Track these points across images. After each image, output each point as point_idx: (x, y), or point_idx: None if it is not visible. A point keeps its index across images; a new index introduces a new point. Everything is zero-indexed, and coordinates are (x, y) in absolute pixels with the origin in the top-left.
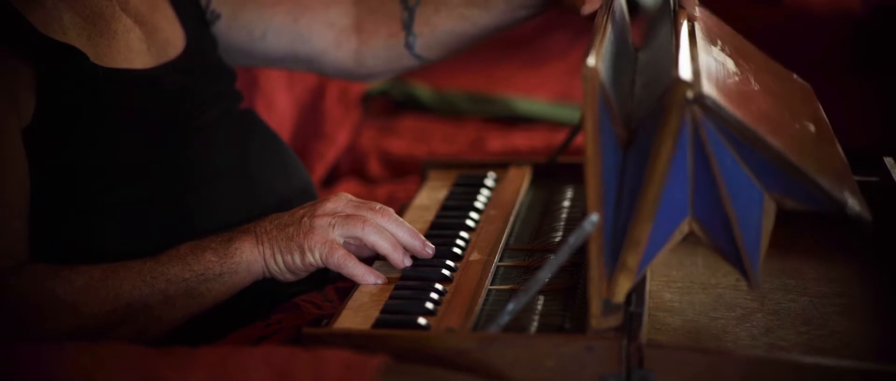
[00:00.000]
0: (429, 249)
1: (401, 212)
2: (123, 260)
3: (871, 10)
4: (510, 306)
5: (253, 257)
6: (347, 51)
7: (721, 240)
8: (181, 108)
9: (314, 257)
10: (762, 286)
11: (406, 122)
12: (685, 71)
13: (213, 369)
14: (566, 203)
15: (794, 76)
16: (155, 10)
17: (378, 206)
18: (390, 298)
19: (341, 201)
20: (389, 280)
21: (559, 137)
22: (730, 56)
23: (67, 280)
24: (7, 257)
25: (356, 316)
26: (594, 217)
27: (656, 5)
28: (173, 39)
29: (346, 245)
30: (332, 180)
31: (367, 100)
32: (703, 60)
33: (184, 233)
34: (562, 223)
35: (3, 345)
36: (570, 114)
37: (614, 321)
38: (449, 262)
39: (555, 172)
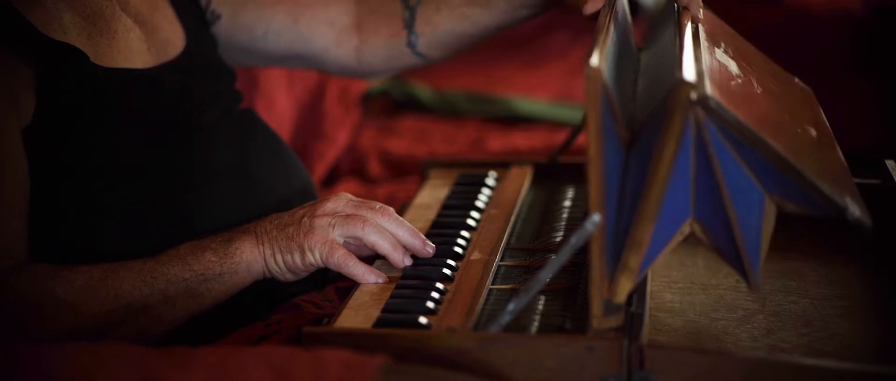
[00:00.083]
0: (429, 248)
1: (401, 211)
2: (123, 260)
3: (871, 10)
4: (511, 306)
5: (253, 257)
6: (348, 49)
7: (722, 241)
8: (181, 108)
9: (314, 257)
10: (763, 288)
11: (406, 122)
12: (689, 72)
13: (213, 369)
14: (567, 203)
15: (796, 80)
16: (155, 10)
17: (378, 205)
18: (391, 297)
19: (341, 200)
20: (390, 279)
21: (559, 137)
22: (733, 58)
23: (67, 280)
24: (7, 257)
25: (357, 315)
26: (596, 217)
27: (656, 6)
28: (173, 39)
29: (346, 245)
30: (332, 180)
31: (367, 100)
32: (706, 62)
33: (184, 233)
34: (563, 223)
35: (3, 345)
36: (570, 114)
37: (615, 321)
38: (450, 261)
39: (556, 171)
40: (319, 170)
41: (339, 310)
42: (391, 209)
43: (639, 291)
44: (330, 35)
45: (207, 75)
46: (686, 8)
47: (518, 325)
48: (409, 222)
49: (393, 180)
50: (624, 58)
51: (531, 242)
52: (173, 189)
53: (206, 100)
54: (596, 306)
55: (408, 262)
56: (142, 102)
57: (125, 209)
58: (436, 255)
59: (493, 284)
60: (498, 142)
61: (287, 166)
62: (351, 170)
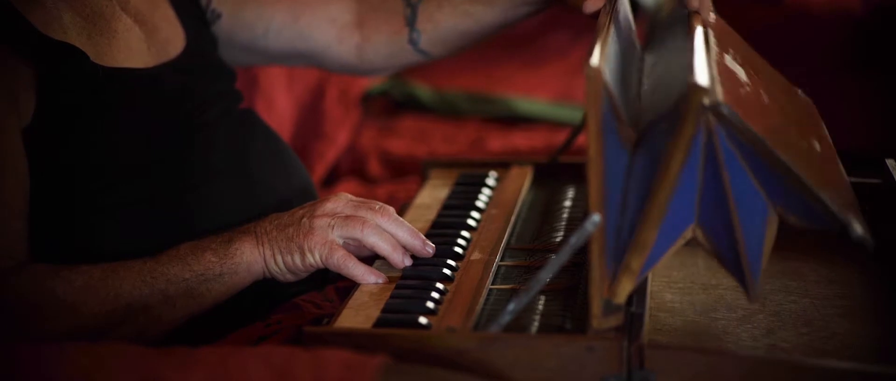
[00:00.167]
0: (429, 248)
1: (402, 211)
2: (123, 260)
3: (871, 10)
4: (511, 306)
5: (253, 257)
6: (350, 47)
7: (724, 248)
8: (181, 107)
9: (314, 258)
10: (760, 297)
11: (406, 122)
12: (702, 77)
13: (213, 369)
14: (567, 203)
15: (798, 91)
16: (155, 9)
17: (377, 205)
18: (391, 297)
19: (340, 201)
20: (390, 280)
21: (559, 137)
22: (741, 66)
23: (67, 280)
24: (7, 257)
25: (357, 315)
26: (596, 217)
27: (656, 5)
28: (173, 39)
29: (345, 245)
30: (332, 180)
31: (367, 100)
32: (716, 68)
33: (184, 233)
34: (563, 223)
35: (3, 345)
36: (570, 114)
37: (615, 321)
38: (450, 261)
39: (556, 171)
40: (319, 170)
41: (339, 310)
42: (391, 209)
43: (639, 291)
44: (331, 32)
45: (207, 75)
46: (696, 11)
47: (518, 325)
48: (409, 222)
49: (393, 180)
50: (626, 57)
51: (531, 242)
52: (173, 189)
53: (206, 100)
54: (596, 306)
55: (408, 262)
56: (142, 101)
57: (125, 209)
58: (436, 255)
59: (493, 284)
60: (498, 142)
61: (287, 166)
62: (351, 170)
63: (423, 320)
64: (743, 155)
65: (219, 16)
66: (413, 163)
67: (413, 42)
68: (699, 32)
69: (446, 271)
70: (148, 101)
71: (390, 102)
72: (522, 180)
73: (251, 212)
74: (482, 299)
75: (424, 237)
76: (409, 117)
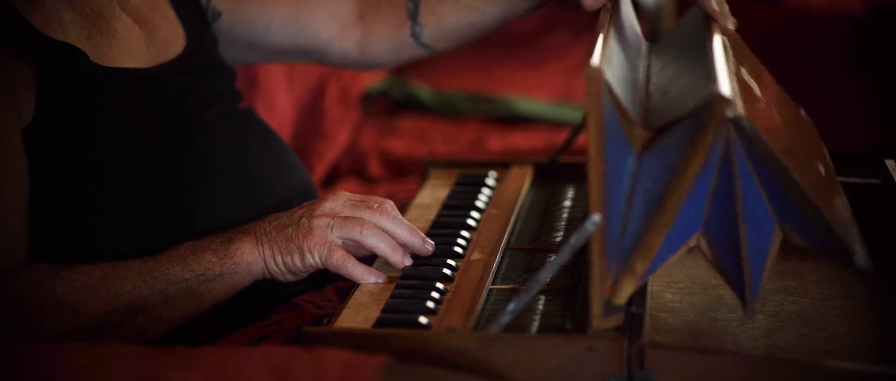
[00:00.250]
0: (428, 246)
1: (402, 211)
2: (123, 260)
3: (871, 10)
4: (511, 306)
5: (253, 257)
6: (352, 41)
7: (726, 260)
8: (181, 107)
9: (314, 259)
10: (756, 312)
11: (406, 122)
12: (726, 88)
13: (213, 369)
14: (567, 203)
15: (801, 111)
16: (155, 9)
17: (376, 203)
18: (391, 297)
19: (339, 200)
20: (390, 279)
21: (559, 137)
22: (755, 81)
23: (67, 280)
24: (7, 257)
25: (357, 315)
26: (596, 218)
27: (656, 5)
28: (173, 39)
29: (345, 245)
30: (332, 180)
31: (367, 100)
32: (736, 81)
33: (184, 233)
34: (563, 223)
35: (3, 345)
36: (570, 114)
37: (615, 321)
38: (450, 261)
39: (556, 171)
40: (319, 170)
41: (339, 310)
42: (390, 205)
43: (639, 291)
44: (333, 27)
45: (207, 75)
46: (714, 19)
47: (518, 325)
48: (410, 222)
49: (393, 180)
50: (629, 56)
51: (531, 242)
52: (173, 189)
53: (206, 100)
54: (596, 307)
55: (408, 262)
56: (141, 101)
57: (125, 209)
58: (436, 255)
59: (493, 284)
60: (498, 142)
61: (287, 166)
62: (351, 170)
63: (423, 319)
64: (757, 170)
65: (219, 14)
66: (413, 163)
67: (415, 36)
68: (718, 40)
69: (446, 270)
70: (148, 101)
71: (390, 102)
72: (522, 180)
73: (251, 212)
74: (482, 299)
75: (424, 235)
76: (409, 117)
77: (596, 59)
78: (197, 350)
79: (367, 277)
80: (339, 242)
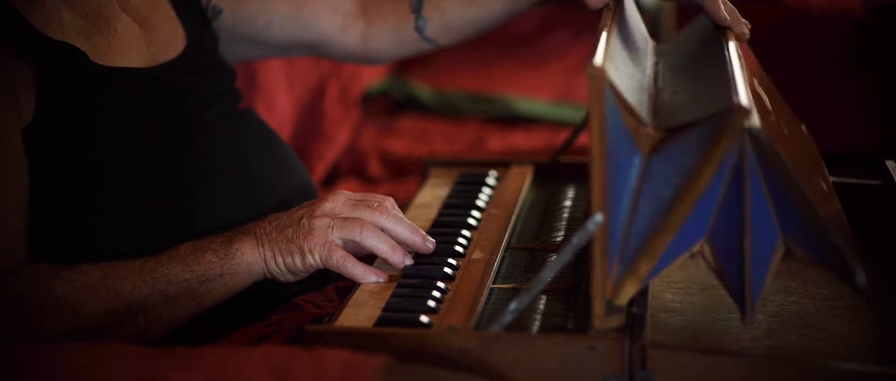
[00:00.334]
0: (429, 243)
1: (402, 211)
2: (123, 260)
3: (871, 10)
4: (513, 306)
5: (253, 258)
6: (354, 35)
7: (729, 269)
8: (181, 107)
9: (314, 259)
10: (755, 322)
11: (406, 122)
12: (744, 98)
13: (213, 369)
14: (568, 203)
15: (802, 126)
16: (155, 9)
17: (376, 202)
18: (392, 296)
19: (339, 200)
20: (391, 278)
21: (559, 137)
22: (764, 92)
23: (67, 280)
24: (7, 257)
25: (358, 314)
26: (598, 217)
27: (656, 5)
28: (173, 39)
29: (345, 245)
30: (332, 180)
31: (367, 100)
32: (751, 91)
33: (184, 233)
34: (563, 223)
35: (3, 345)
36: (570, 114)
37: (617, 321)
38: (451, 260)
39: (556, 171)
40: (319, 170)
41: (340, 309)
42: (390, 203)
43: (641, 291)
44: (334, 21)
45: (207, 75)
46: (729, 27)
47: (519, 324)
48: (410, 221)
49: (393, 180)
50: (635, 54)
51: (532, 241)
52: (173, 189)
53: (206, 100)
54: (598, 306)
55: (408, 261)
56: (142, 101)
57: (125, 209)
58: (437, 254)
59: (494, 283)
60: (498, 142)
61: (287, 166)
62: (351, 170)
63: (424, 319)
64: (767, 182)
65: (220, 11)
66: (413, 163)
67: (419, 29)
68: (734, 48)
69: (447, 270)
70: (148, 101)
71: (390, 102)
72: (523, 180)
73: (251, 212)
74: (483, 299)
75: (424, 233)
76: (409, 117)
77: (599, 58)
78: (197, 350)
79: (368, 276)
80: (340, 242)
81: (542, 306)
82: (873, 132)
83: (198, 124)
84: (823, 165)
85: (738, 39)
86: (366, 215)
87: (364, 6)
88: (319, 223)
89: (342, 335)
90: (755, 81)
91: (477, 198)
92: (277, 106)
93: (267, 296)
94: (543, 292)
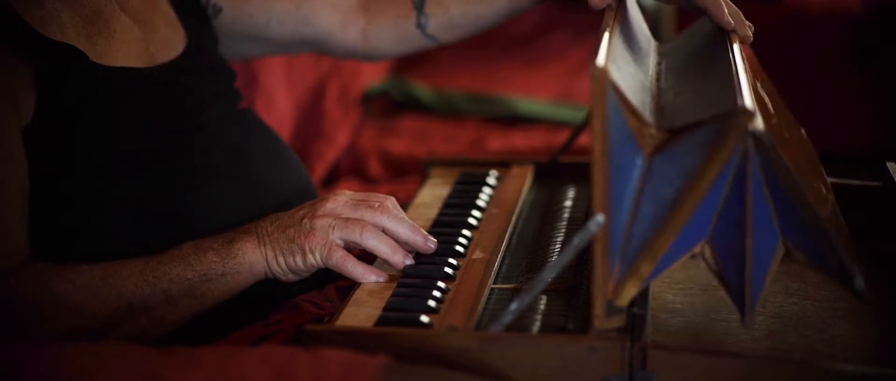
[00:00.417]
0: (431, 243)
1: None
2: (124, 259)
3: (871, 10)
4: (513, 306)
5: (255, 257)
6: (355, 31)
7: (729, 270)
8: (181, 107)
9: (315, 259)
10: (754, 324)
11: (406, 122)
12: (749, 101)
13: (213, 369)
14: (568, 203)
15: (802, 130)
16: (154, 9)
17: (377, 202)
18: (392, 296)
19: (340, 200)
20: (391, 278)
21: (559, 137)
22: (766, 96)
23: (69, 279)
24: (8, 257)
25: (358, 314)
26: (600, 218)
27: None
28: (173, 39)
29: (347, 245)
30: (332, 180)
31: (367, 100)
32: (753, 94)
33: (183, 233)
34: (564, 223)
35: (3, 345)
36: (570, 114)
37: (617, 321)
38: (451, 260)
39: (557, 171)
40: (319, 170)
41: (340, 309)
42: (391, 203)
43: (641, 292)
44: (335, 17)
45: (207, 75)
46: (733, 30)
47: (520, 325)
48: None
49: (393, 180)
50: (637, 54)
51: (532, 241)
52: (173, 189)
53: (206, 100)
54: (598, 307)
55: (409, 262)
56: (141, 101)
57: (125, 209)
58: (437, 253)
59: (494, 283)
60: (498, 142)
61: (287, 166)
62: (351, 170)
63: (424, 318)
64: (769, 185)
65: (220, 9)
66: (413, 163)
67: (421, 26)
68: (738, 50)
69: (448, 269)
70: (147, 100)
71: (390, 102)
72: (523, 180)
73: (251, 212)
74: (484, 299)
75: (426, 233)
76: (409, 117)
77: (601, 58)
78: (197, 350)
79: (368, 276)
80: (340, 242)
81: (542, 307)
82: (873, 132)
83: (198, 124)
84: (822, 168)
85: (742, 42)
86: (367, 215)
87: (365, 2)
88: (321, 223)
89: (342, 334)
90: (758, 84)
91: (477, 198)
92: (277, 106)
93: (267, 296)
94: (544, 292)
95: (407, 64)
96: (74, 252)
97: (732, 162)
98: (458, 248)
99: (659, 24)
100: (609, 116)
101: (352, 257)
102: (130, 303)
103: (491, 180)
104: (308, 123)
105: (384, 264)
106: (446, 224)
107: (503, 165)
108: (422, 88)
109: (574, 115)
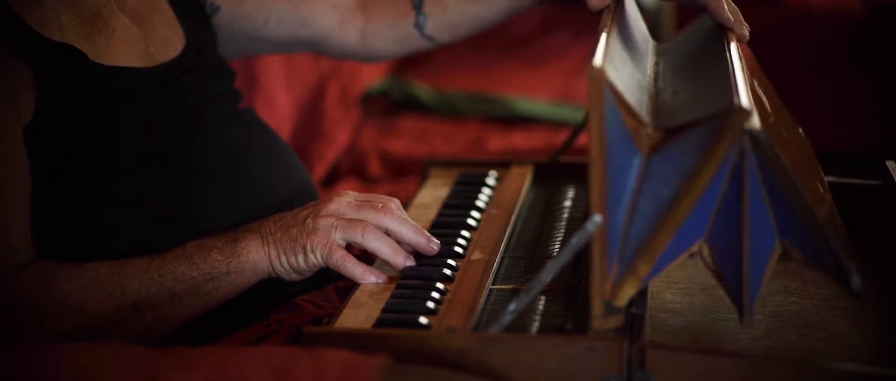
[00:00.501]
0: (433, 245)
1: None
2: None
3: (871, 10)
4: (512, 307)
5: (259, 257)
6: (353, 32)
7: (727, 269)
8: (180, 107)
9: (316, 258)
10: (753, 323)
11: (406, 122)
12: (745, 100)
13: (213, 369)
14: (568, 203)
15: (800, 129)
16: (153, 10)
17: (381, 203)
18: (391, 297)
19: (344, 201)
20: (390, 279)
21: (559, 137)
22: (764, 95)
23: (74, 277)
24: (13, 255)
25: (357, 315)
26: (597, 218)
27: (656, 6)
28: (172, 39)
29: (349, 247)
30: (332, 180)
31: (367, 100)
32: (750, 93)
33: (184, 232)
34: (563, 223)
35: (4, 345)
36: (570, 114)
37: (616, 322)
38: (450, 261)
39: (556, 171)
40: (319, 170)
41: (339, 310)
42: (395, 205)
43: (640, 291)
44: (333, 17)
45: (207, 75)
46: (730, 28)
47: (519, 325)
48: None
49: (393, 180)
50: (635, 54)
51: (531, 242)
52: (173, 189)
53: (206, 99)
54: (596, 307)
55: (410, 263)
56: (141, 101)
57: (125, 209)
58: (436, 254)
59: (493, 284)
60: (498, 142)
61: (287, 166)
62: (351, 170)
63: (423, 320)
64: (766, 184)
65: (217, 8)
66: (413, 163)
67: (419, 26)
68: (735, 49)
69: (446, 270)
70: (147, 100)
71: (390, 102)
72: (522, 180)
73: (251, 212)
74: (482, 300)
75: (429, 234)
76: (409, 117)
77: (598, 59)
78: (197, 350)
79: (367, 276)
80: (342, 243)
81: (541, 307)
82: (873, 132)
83: (197, 124)
84: (819, 168)
85: (738, 41)
86: (370, 216)
87: (364, 2)
88: (323, 223)
89: (341, 336)
90: (755, 83)
91: (477, 198)
92: (277, 106)
93: (268, 296)
94: (542, 292)
95: (407, 64)
96: (75, 252)
97: (729, 161)
98: (458, 249)
99: (659, 23)
100: (606, 117)
101: (352, 257)
102: (136, 301)
103: (490, 181)
104: (308, 122)
105: (384, 265)
106: (445, 225)
107: (503, 165)
108: (422, 88)
109: (574, 115)
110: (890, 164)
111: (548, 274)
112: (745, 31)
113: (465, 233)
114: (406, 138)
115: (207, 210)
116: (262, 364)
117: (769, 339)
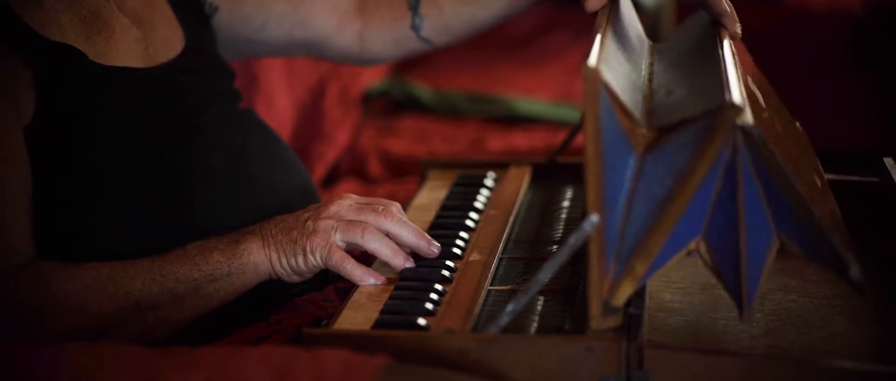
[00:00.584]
0: (434, 248)
1: None
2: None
3: (871, 10)
4: (510, 307)
5: (260, 258)
6: (351, 35)
7: (725, 266)
8: (180, 107)
9: (315, 259)
10: (752, 319)
11: (406, 122)
12: (737, 96)
13: (213, 369)
14: (566, 203)
15: (797, 123)
16: (153, 10)
17: (381, 206)
18: (390, 298)
19: (345, 203)
20: (389, 280)
21: (559, 137)
22: (758, 90)
23: (76, 277)
24: (14, 255)
25: (356, 316)
26: (594, 218)
27: (656, 6)
28: (172, 40)
29: (350, 249)
30: (332, 180)
31: (367, 100)
32: (744, 89)
33: (183, 233)
34: (561, 224)
35: (4, 345)
36: (570, 114)
37: (614, 321)
38: (449, 262)
39: (555, 172)
40: (319, 170)
41: (338, 311)
42: (396, 207)
43: (637, 291)
44: (331, 20)
45: (206, 75)
46: (723, 25)
47: (517, 326)
48: None
49: (393, 180)
50: (631, 55)
51: (530, 242)
52: (172, 189)
53: (205, 100)
54: (595, 307)
55: (409, 264)
56: (141, 101)
57: (124, 209)
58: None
59: (491, 285)
60: (498, 142)
61: (287, 166)
62: (351, 170)
63: (421, 321)
64: (760, 179)
65: (216, 9)
66: (413, 163)
67: (415, 28)
68: (727, 46)
69: (445, 272)
70: (147, 101)
71: (390, 102)
72: (521, 181)
73: (250, 212)
74: (481, 300)
75: (429, 237)
76: (409, 117)
77: (593, 59)
78: (197, 350)
79: (366, 278)
80: (342, 244)
81: (539, 307)
82: (873, 132)
83: (197, 125)
84: (818, 162)
85: (731, 38)
86: (370, 218)
87: (362, 5)
88: (324, 225)
89: (340, 337)
90: (749, 79)
91: (475, 200)
92: (277, 106)
93: (268, 296)
94: (541, 293)
95: (407, 64)
96: (75, 252)
97: (722, 157)
98: (456, 250)
99: (659, 23)
100: (601, 117)
101: (351, 258)
102: (137, 302)
103: (488, 182)
104: (308, 123)
105: (382, 267)
106: (444, 227)
107: (502, 165)
108: (422, 88)
109: (574, 115)
110: (888, 161)
111: (545, 274)
112: (737, 29)
113: (463, 234)
114: (406, 138)
115: (207, 211)
116: (262, 364)
117: (768, 337)
